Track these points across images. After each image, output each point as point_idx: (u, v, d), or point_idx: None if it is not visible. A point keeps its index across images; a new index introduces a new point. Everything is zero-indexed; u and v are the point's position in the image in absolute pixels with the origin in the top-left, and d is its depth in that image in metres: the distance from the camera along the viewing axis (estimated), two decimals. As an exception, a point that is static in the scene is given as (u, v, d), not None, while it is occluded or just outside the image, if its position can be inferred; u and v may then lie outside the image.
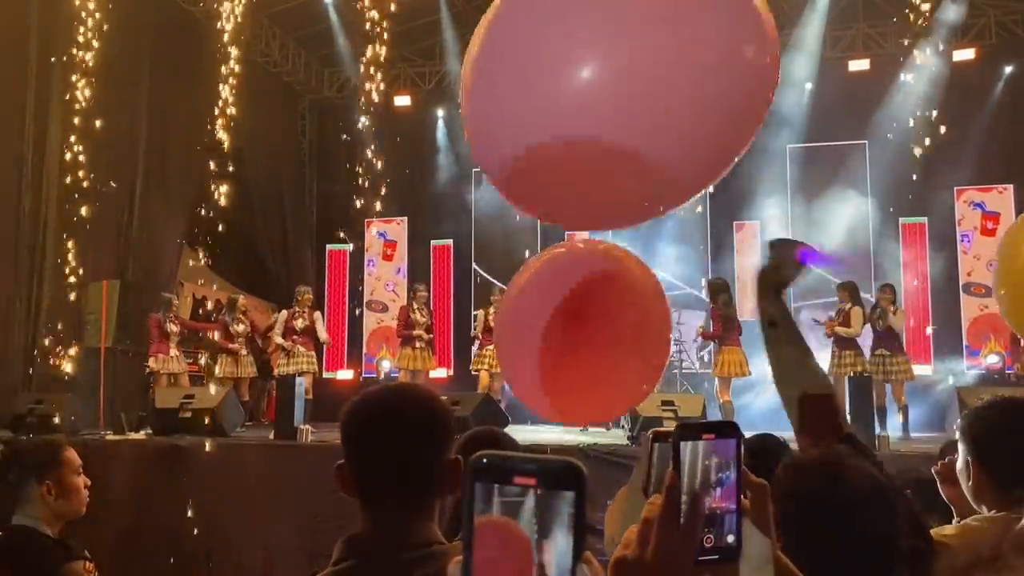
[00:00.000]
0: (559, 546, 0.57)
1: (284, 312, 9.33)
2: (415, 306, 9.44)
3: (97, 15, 8.57)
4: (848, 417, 7.15)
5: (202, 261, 9.92)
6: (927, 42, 10.54)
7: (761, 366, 8.98)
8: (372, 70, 10.09)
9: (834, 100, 11.02)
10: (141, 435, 7.57)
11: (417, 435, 1.38)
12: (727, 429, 0.75)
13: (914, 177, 10.43)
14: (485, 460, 0.58)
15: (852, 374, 7.89)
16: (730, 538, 0.74)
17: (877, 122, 10.92)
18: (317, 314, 9.55)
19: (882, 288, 8.74)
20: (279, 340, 9.15)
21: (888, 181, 10.94)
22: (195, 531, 6.37)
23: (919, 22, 10.20)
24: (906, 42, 10.51)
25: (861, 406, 6.80)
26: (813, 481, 1.22)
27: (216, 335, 9.42)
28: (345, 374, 12.24)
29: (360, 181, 10.97)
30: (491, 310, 9.14)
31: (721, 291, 8.50)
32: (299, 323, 9.18)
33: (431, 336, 9.54)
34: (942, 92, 10.45)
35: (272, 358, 10.73)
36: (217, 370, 9.22)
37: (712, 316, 8.52)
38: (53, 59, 8.75)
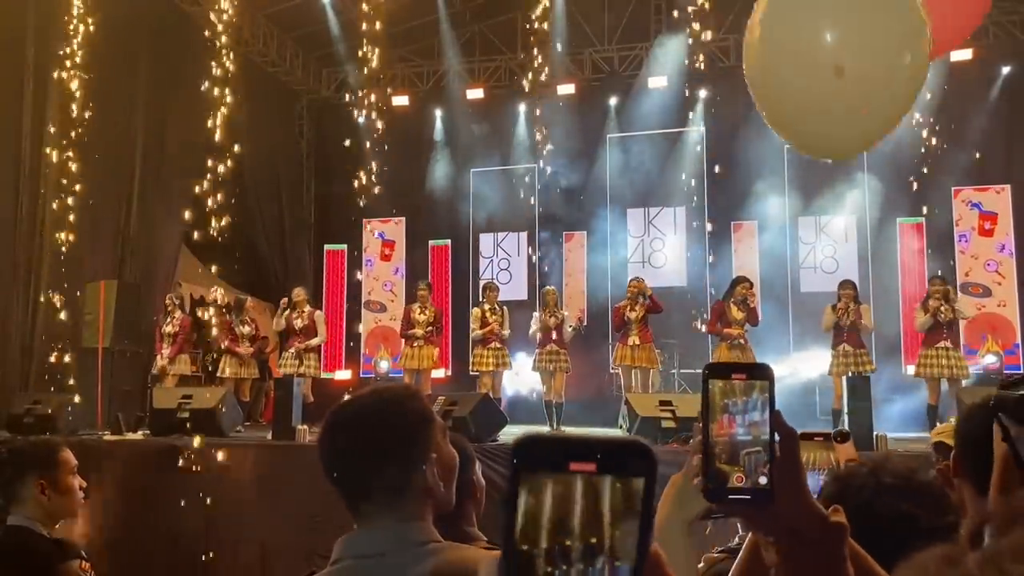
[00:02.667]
0: (624, 540, 0.49)
1: (284, 306, 9.24)
2: (417, 306, 9.31)
3: (94, 15, 8.56)
4: (846, 416, 7.19)
5: (213, 269, 9.95)
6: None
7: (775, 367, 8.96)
8: (369, 69, 10.07)
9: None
10: (139, 435, 7.56)
11: (380, 448, 1.37)
12: (759, 371, 0.75)
13: (912, 177, 10.42)
14: (530, 443, 0.50)
15: (853, 372, 7.85)
16: (762, 480, 0.74)
17: (875, 122, 10.89)
18: (318, 314, 9.48)
19: (939, 279, 8.17)
20: (274, 326, 9.31)
21: (886, 181, 10.94)
22: (192, 531, 6.37)
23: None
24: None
25: (859, 405, 6.78)
26: (857, 471, 1.39)
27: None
28: (343, 374, 12.24)
29: (358, 181, 10.95)
30: (486, 307, 9.05)
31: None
32: (298, 323, 9.17)
33: (431, 330, 9.16)
34: (940, 92, 10.44)
35: (270, 358, 10.72)
36: (222, 371, 9.23)
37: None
38: (49, 59, 8.75)
